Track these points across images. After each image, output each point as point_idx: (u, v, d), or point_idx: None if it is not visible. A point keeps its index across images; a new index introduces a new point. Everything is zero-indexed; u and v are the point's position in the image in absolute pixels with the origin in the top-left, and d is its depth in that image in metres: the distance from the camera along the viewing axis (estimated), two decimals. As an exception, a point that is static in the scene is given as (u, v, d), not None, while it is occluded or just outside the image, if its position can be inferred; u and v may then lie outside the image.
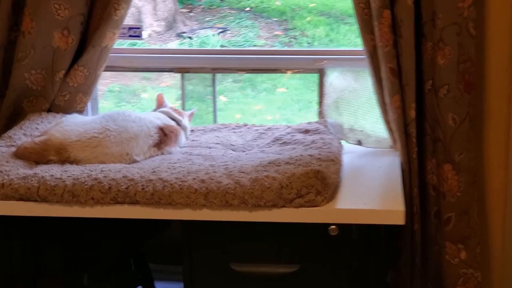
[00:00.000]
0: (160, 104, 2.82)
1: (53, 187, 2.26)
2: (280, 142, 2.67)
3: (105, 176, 2.29)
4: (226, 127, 2.88)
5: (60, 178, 2.29)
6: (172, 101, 3.01)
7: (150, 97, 6.27)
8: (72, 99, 2.82)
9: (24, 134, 2.67)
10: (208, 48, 6.03)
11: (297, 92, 6.29)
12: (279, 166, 2.34)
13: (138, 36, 3.01)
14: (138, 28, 3.00)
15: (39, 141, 2.47)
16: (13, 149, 2.53)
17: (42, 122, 2.77)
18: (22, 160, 2.44)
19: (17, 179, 2.29)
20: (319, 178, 2.18)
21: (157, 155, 2.58)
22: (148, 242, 2.76)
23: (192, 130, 2.86)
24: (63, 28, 2.69)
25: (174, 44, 6.84)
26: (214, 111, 3.15)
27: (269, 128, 2.83)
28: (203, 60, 2.95)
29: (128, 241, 2.63)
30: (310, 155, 2.42)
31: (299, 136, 2.69)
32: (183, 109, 3.08)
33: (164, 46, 6.75)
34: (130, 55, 2.98)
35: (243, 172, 2.31)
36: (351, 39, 6.83)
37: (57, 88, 2.77)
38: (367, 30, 2.45)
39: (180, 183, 2.25)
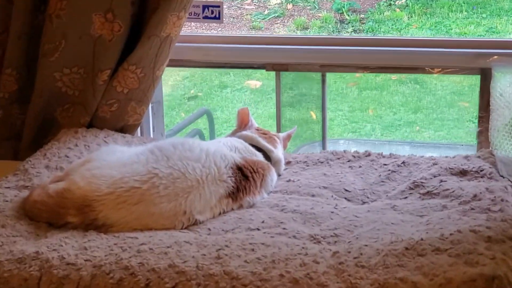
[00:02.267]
0: (243, 123, 1.93)
1: (62, 279, 1.47)
2: (422, 191, 1.77)
3: (141, 264, 1.44)
4: (338, 158, 1.96)
5: (73, 264, 1.48)
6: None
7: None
8: (121, 110, 2.05)
9: (47, 167, 1.91)
10: (315, 35, 5.03)
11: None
12: (423, 256, 1.42)
13: (217, 18, 2.11)
14: (217, 6, 2.09)
15: (54, 191, 1.65)
16: (25, 193, 1.72)
17: (76, 145, 2.00)
18: (30, 219, 1.66)
19: (9, 262, 1.50)
20: (494, 289, 1.27)
21: (232, 209, 1.70)
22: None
23: (288, 162, 1.95)
24: (106, 10, 2.01)
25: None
26: (323, 124, 2.22)
27: (403, 162, 1.89)
28: (307, 54, 2.03)
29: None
30: (474, 231, 1.48)
31: (452, 182, 1.77)
32: (278, 122, 2.17)
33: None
34: (205, 45, 2.10)
35: (362, 266, 1.40)
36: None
37: (101, 95, 2.11)
38: None
39: (259, 283, 1.38)
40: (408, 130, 4.83)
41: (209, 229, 1.65)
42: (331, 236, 1.59)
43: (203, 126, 3.97)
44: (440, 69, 2.06)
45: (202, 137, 3.55)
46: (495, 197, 1.67)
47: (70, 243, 1.55)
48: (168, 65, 2.12)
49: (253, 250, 1.51)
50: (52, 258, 1.50)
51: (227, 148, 1.80)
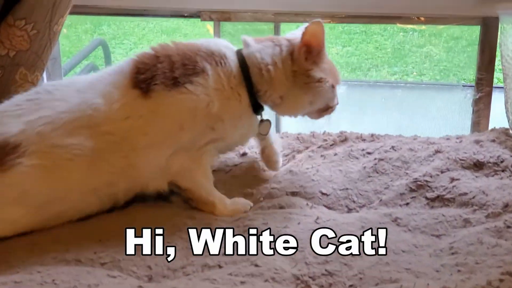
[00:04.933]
0: None
1: None
2: (429, 195, 1.34)
3: None
4: (307, 147, 1.47)
5: None
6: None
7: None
8: (6, 79, 1.69)
9: None
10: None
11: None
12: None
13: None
14: None
15: None
16: None
17: None
18: None
19: None
20: None
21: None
22: None
23: (243, 154, 1.47)
24: None
25: None
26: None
27: (392, 147, 1.43)
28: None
29: None
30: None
31: (467, 181, 1.36)
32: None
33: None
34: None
35: None
36: None
37: (-24, 59, 1.48)
38: None
39: None
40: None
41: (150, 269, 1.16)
42: (323, 274, 1.14)
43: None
44: (429, 18, 1.61)
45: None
46: (528, 201, 1.25)
47: None
48: (70, 13, 1.56)
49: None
50: None
51: None
